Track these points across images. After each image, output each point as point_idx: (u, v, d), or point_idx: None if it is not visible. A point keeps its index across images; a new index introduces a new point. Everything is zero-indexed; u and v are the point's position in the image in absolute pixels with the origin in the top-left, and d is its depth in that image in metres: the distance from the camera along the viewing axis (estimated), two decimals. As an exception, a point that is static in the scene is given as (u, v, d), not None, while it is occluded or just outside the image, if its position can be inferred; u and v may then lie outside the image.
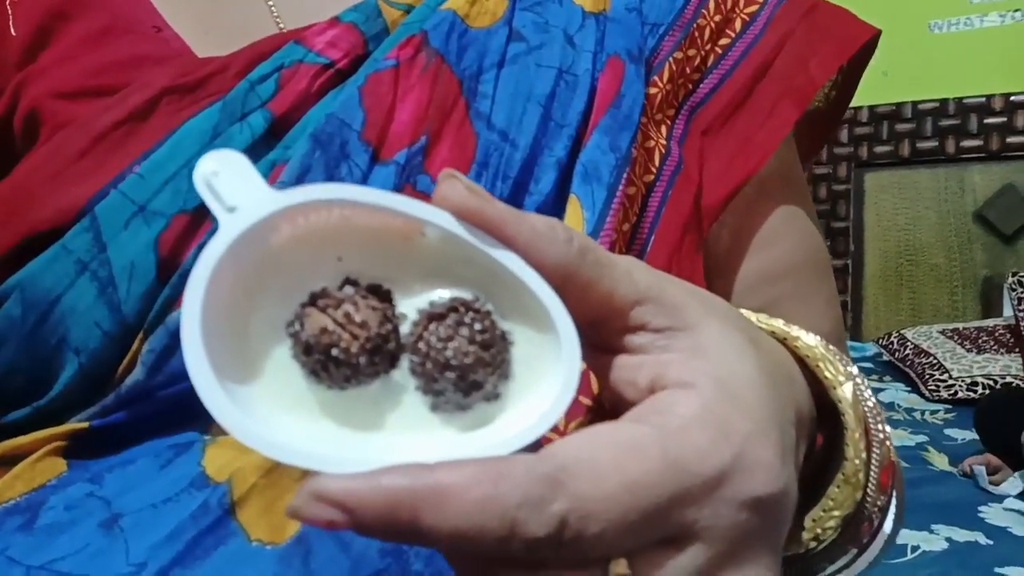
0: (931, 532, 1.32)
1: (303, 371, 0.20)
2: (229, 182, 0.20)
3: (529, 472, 0.19)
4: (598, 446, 0.20)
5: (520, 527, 0.18)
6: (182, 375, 0.33)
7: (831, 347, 0.30)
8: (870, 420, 0.29)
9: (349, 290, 0.20)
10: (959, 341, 2.37)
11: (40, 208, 0.35)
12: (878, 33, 0.46)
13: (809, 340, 0.30)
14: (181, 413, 0.33)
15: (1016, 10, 2.58)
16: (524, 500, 0.18)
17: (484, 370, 0.20)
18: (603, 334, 0.23)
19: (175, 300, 0.33)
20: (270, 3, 0.42)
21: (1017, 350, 2.27)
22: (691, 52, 0.44)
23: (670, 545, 0.20)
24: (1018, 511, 1.44)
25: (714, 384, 0.21)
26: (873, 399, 0.30)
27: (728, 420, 0.21)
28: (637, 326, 0.22)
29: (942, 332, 2.43)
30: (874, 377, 2.41)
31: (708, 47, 0.44)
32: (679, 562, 0.20)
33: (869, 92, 2.67)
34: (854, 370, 0.30)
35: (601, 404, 0.27)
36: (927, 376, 2.25)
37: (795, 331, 0.30)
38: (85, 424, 0.34)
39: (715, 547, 0.21)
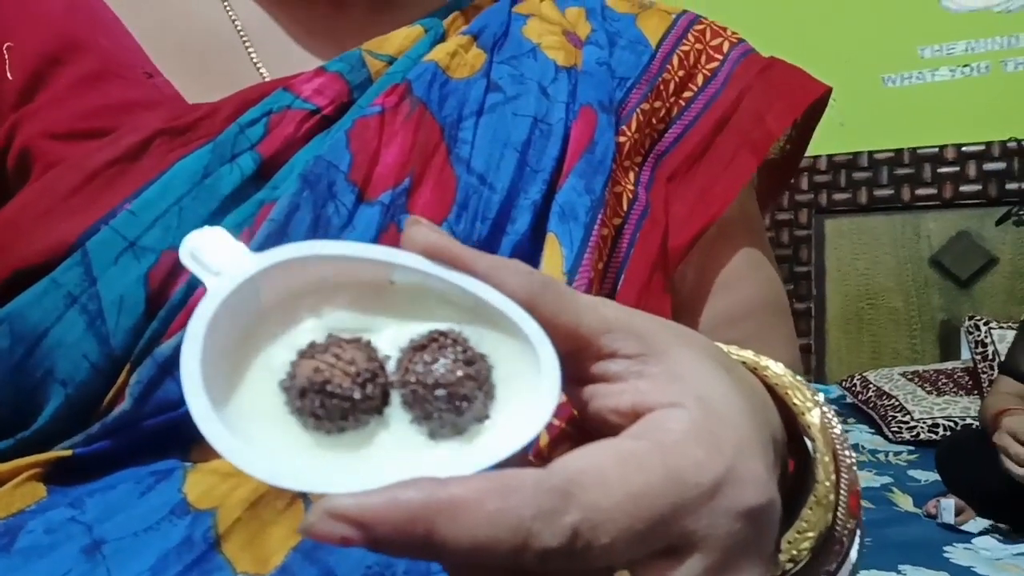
0: (897, 572, 1.34)
1: (301, 420, 0.21)
2: (212, 251, 0.22)
3: (540, 484, 0.19)
4: (603, 460, 0.21)
5: (534, 538, 0.19)
6: (168, 405, 0.34)
7: (798, 376, 0.32)
8: (837, 445, 0.30)
9: (333, 339, 0.21)
10: (920, 383, 2.42)
11: (31, 243, 0.35)
12: (829, 90, 0.49)
13: (777, 369, 0.31)
14: (164, 442, 0.34)
15: (965, 65, 2.71)
16: (537, 512, 0.19)
17: (471, 383, 0.21)
18: (576, 366, 0.24)
19: (163, 333, 0.34)
20: (251, 54, 0.44)
21: (976, 392, 2.32)
22: (657, 104, 0.46)
23: (671, 555, 0.21)
24: (982, 550, 1.46)
25: (697, 403, 0.23)
26: (840, 426, 0.31)
27: (718, 434, 0.22)
28: (608, 354, 0.23)
29: (903, 374, 2.48)
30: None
31: (672, 100, 0.47)
32: (680, 572, 0.21)
33: (827, 142, 2.77)
34: (820, 398, 0.31)
35: (581, 430, 0.28)
36: (890, 418, 2.29)
37: (764, 361, 0.31)
38: (69, 452, 0.34)
39: (712, 556, 0.22)
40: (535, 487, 0.19)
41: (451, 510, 0.19)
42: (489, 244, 0.39)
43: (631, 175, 0.44)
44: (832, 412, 0.31)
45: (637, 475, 0.21)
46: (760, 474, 0.23)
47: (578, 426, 0.28)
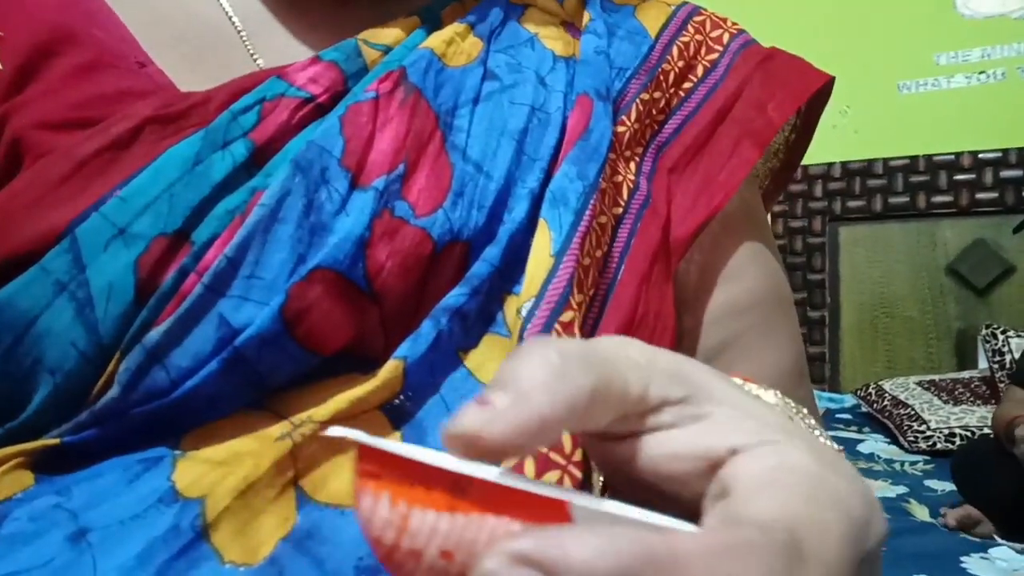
0: (912, 582, 1.32)
1: None
2: None
3: (770, 539, 0.16)
4: (790, 503, 0.17)
5: None
6: (156, 393, 0.33)
7: (788, 400, 0.30)
8: None
9: None
10: (936, 392, 2.39)
11: (20, 232, 0.35)
12: (832, 79, 0.49)
13: (769, 398, 0.30)
14: (153, 430, 0.34)
15: (981, 72, 2.69)
16: (771, 570, 0.15)
17: None
18: (622, 426, 0.21)
19: (152, 321, 0.34)
20: (247, 46, 0.44)
21: (993, 401, 2.29)
22: (656, 95, 0.46)
23: None
24: (999, 560, 1.44)
25: (784, 433, 0.20)
26: (833, 448, 0.29)
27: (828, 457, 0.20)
28: (657, 405, 0.21)
29: (919, 383, 2.45)
30: (853, 428, 2.42)
31: (672, 90, 0.47)
32: None
33: (842, 149, 2.75)
34: (812, 422, 0.30)
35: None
36: (905, 427, 2.27)
37: (755, 389, 0.30)
38: (56, 440, 0.34)
39: None
40: (768, 543, 0.16)
41: (673, 567, 0.15)
42: (486, 232, 0.38)
43: (632, 165, 0.44)
44: (826, 436, 0.29)
45: (831, 514, 0.18)
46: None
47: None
